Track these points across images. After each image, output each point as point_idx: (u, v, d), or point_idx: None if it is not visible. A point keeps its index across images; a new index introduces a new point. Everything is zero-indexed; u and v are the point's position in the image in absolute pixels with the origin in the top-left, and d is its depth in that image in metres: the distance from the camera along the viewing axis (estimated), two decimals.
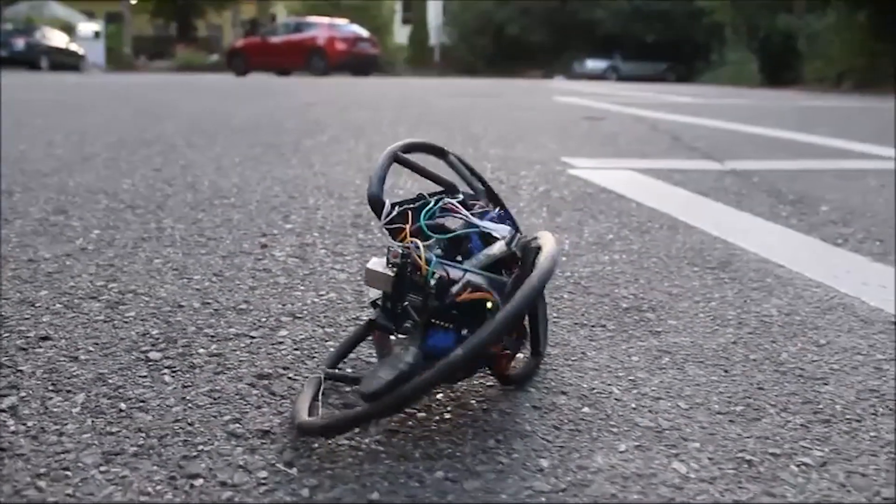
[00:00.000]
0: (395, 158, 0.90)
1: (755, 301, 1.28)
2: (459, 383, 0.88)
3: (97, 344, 1.00)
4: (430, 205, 0.86)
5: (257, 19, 32.62)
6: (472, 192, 0.95)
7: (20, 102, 5.63)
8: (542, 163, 2.94)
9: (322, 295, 1.24)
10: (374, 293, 0.84)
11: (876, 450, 0.79)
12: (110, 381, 0.89)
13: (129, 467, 0.71)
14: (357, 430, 0.78)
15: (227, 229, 1.68)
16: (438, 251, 0.82)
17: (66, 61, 20.75)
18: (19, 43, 19.70)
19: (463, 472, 0.72)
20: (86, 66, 21.64)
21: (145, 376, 0.91)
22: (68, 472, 0.70)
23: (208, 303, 1.18)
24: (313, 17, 21.77)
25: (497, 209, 0.91)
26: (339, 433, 0.75)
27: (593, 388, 0.92)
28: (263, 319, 1.12)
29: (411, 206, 0.86)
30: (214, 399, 0.86)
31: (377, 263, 0.81)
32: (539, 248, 0.80)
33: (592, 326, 1.14)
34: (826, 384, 0.95)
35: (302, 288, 1.28)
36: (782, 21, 18.23)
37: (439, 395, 0.87)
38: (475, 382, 0.91)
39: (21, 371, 0.91)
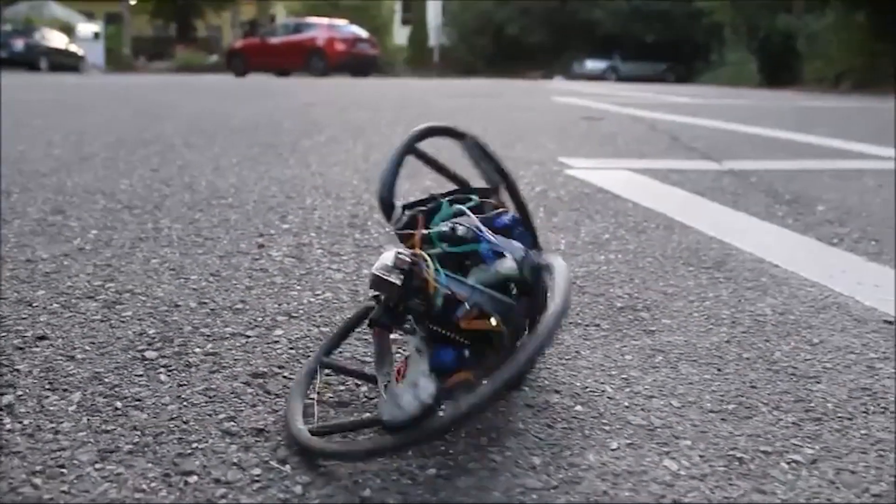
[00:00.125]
0: (410, 150, 0.84)
1: (749, 300, 1.28)
2: None
3: (94, 343, 1.01)
4: (443, 209, 0.83)
5: (256, 20, 32.61)
6: (488, 183, 0.91)
7: (20, 103, 5.63)
8: (540, 163, 2.95)
9: (318, 294, 1.25)
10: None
11: (866, 447, 0.79)
12: (106, 379, 0.90)
13: (124, 465, 0.72)
14: (353, 432, 0.79)
15: (225, 229, 1.68)
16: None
17: (65, 62, 20.76)
18: (19, 44, 19.70)
19: (455, 470, 0.73)
20: (85, 67, 21.65)
21: (141, 375, 0.92)
22: (64, 470, 0.70)
23: (205, 302, 1.19)
24: (312, 17, 21.78)
25: (511, 214, 0.87)
26: (356, 461, 0.73)
27: (586, 387, 0.92)
28: (259, 319, 1.12)
29: (423, 208, 0.83)
30: (209, 397, 0.86)
31: (383, 269, 0.78)
32: (550, 269, 0.77)
33: (587, 326, 1.15)
34: (818, 382, 0.96)
35: (298, 288, 1.28)
36: (781, 21, 18.24)
37: None
38: None
39: (18, 370, 0.92)
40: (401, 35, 33.73)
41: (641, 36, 27.35)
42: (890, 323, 1.18)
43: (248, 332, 1.07)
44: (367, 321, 0.86)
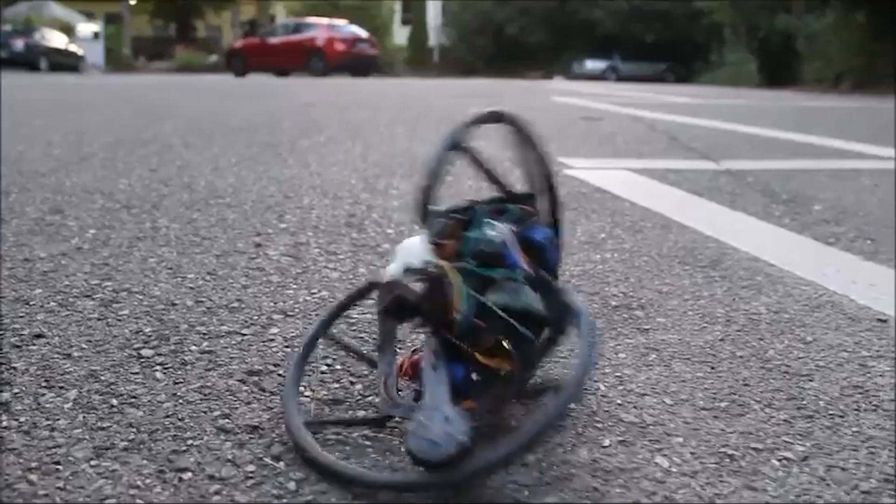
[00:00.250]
0: (455, 147, 0.81)
1: (744, 299, 1.29)
2: None
3: (90, 341, 1.01)
4: (478, 220, 0.80)
5: (256, 20, 32.62)
6: (529, 185, 0.89)
7: (19, 103, 5.64)
8: None
9: (314, 293, 1.25)
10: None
11: (857, 444, 0.80)
12: (102, 377, 0.90)
13: (120, 461, 0.72)
14: (349, 428, 0.79)
15: (222, 229, 1.69)
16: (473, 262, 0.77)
17: (65, 62, 20.79)
18: (19, 44, 19.74)
19: None
20: (85, 67, 21.68)
21: (137, 373, 0.92)
22: (59, 466, 0.71)
23: (201, 301, 1.19)
24: (312, 17, 21.79)
25: (546, 230, 0.86)
26: (381, 490, 0.69)
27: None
28: (255, 317, 1.13)
29: (459, 217, 0.81)
30: (205, 395, 0.87)
31: (407, 268, 0.77)
32: (576, 317, 0.76)
33: None
34: (811, 380, 0.96)
35: (294, 286, 1.29)
36: (781, 21, 18.25)
37: None
38: None
39: (15, 368, 0.92)
40: (401, 35, 33.74)
41: (641, 36, 27.37)
42: (883, 321, 1.18)
43: (244, 331, 1.07)
44: (380, 308, 0.84)
